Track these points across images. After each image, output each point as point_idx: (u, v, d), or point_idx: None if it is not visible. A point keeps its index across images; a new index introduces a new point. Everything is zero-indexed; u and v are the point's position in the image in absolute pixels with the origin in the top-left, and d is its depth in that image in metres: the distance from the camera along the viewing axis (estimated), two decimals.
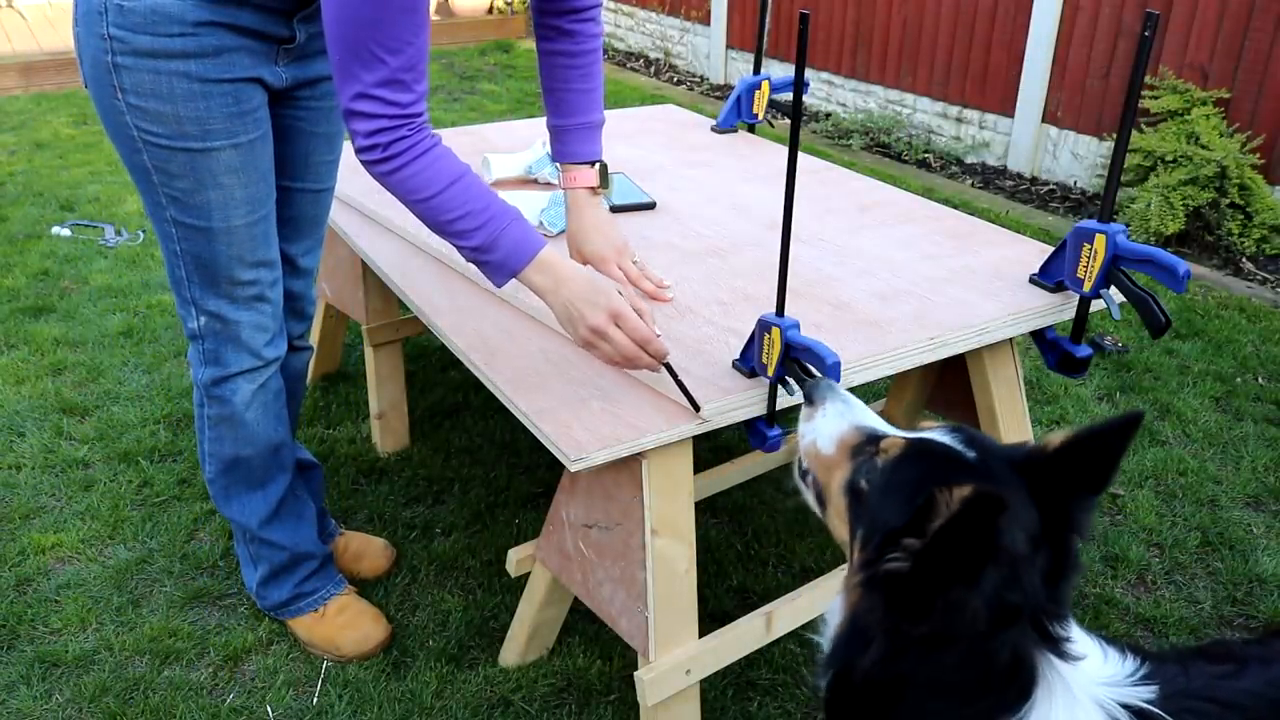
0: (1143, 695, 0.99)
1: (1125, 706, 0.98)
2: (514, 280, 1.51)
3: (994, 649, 0.94)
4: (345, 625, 1.97)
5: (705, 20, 6.63)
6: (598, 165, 1.80)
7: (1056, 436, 1.02)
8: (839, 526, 1.12)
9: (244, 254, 1.68)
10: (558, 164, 1.84)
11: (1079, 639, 1.01)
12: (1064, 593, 0.99)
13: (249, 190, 1.64)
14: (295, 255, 1.89)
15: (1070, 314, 1.80)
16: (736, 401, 1.51)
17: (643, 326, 1.47)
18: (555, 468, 2.49)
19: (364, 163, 1.42)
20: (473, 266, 1.54)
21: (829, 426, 1.19)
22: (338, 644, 1.95)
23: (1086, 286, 1.70)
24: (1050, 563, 0.98)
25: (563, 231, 2.07)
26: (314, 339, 2.81)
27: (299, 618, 1.99)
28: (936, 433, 1.09)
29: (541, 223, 2.08)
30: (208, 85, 1.53)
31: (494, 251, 1.47)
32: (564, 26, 1.73)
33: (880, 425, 1.17)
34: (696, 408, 1.48)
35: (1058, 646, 0.96)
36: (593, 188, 1.79)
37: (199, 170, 1.58)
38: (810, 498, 1.21)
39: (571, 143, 1.79)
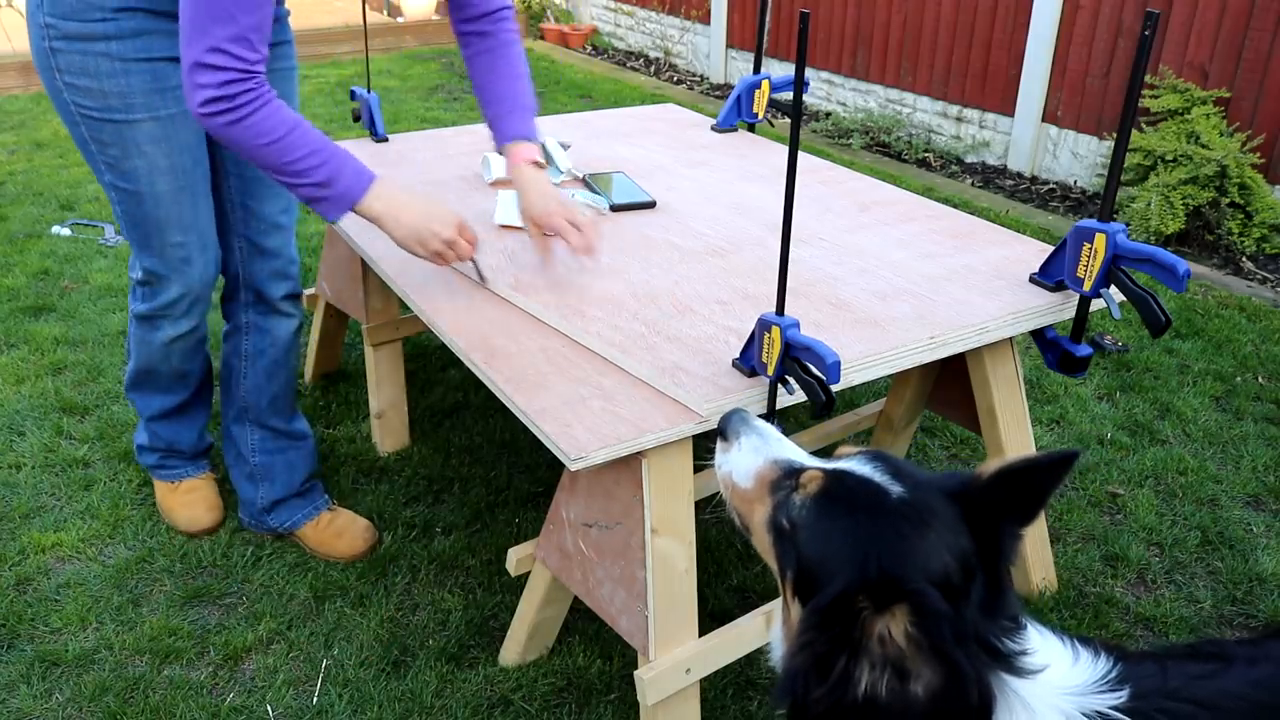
0: (1110, 700, 0.98)
1: (1094, 713, 0.97)
2: (353, 214, 1.69)
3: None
4: (184, 505, 2.27)
5: (705, 19, 6.63)
6: (537, 143, 1.93)
7: (990, 465, 1.01)
8: (767, 558, 1.09)
9: (172, 217, 1.88)
10: (502, 150, 1.94)
11: (1043, 647, 0.99)
12: (1008, 608, 0.98)
13: (172, 160, 1.83)
14: (271, 213, 2.04)
15: (1070, 313, 1.80)
16: (737, 400, 1.51)
17: (471, 231, 1.78)
18: (555, 467, 2.49)
19: (209, 114, 1.53)
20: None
21: (745, 461, 1.14)
22: (175, 517, 2.27)
23: (1086, 286, 1.70)
24: (987, 586, 0.97)
25: None
26: (313, 338, 2.82)
27: (159, 481, 2.32)
28: (857, 462, 1.05)
29: None
30: (128, 64, 1.74)
31: (336, 185, 1.63)
32: (482, 29, 1.93)
33: (798, 456, 1.13)
34: (483, 278, 1.81)
35: (1011, 663, 0.95)
36: (536, 161, 1.90)
37: (125, 140, 1.79)
38: (739, 525, 1.18)
39: (509, 126, 1.93)
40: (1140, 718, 0.98)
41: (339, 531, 2.24)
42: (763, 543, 1.10)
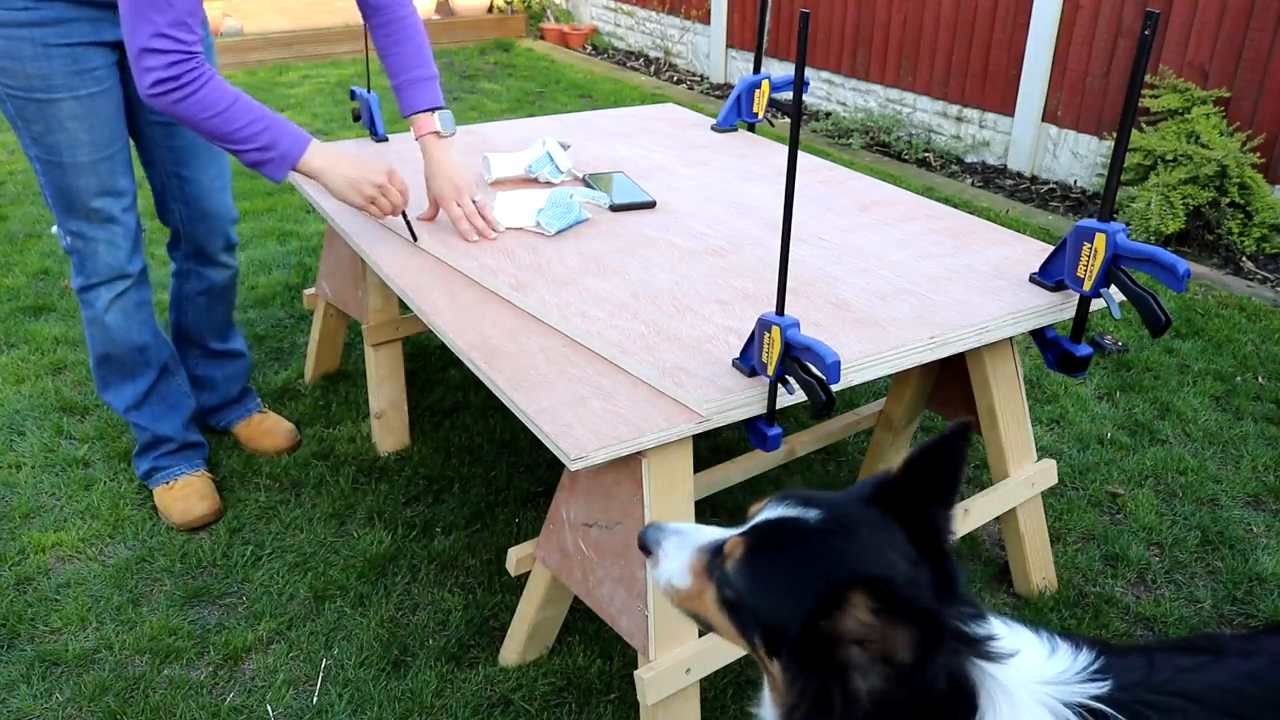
0: (1092, 691, 0.96)
1: (1075, 705, 0.95)
2: (295, 174, 1.89)
3: (930, 684, 0.91)
4: (178, 499, 2.31)
5: (705, 19, 6.63)
6: (437, 113, 2.09)
7: (897, 459, 1.04)
8: (735, 640, 1.10)
9: (92, 185, 2.03)
10: (408, 117, 2.10)
11: (1009, 635, 0.99)
12: (962, 594, 0.98)
13: (92, 134, 1.99)
14: (203, 179, 2.22)
15: (1070, 313, 1.80)
16: (737, 400, 1.51)
17: (401, 180, 1.98)
18: (555, 466, 2.49)
19: (159, 94, 1.71)
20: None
21: (674, 563, 1.15)
22: (170, 513, 2.31)
23: (1086, 285, 1.70)
24: (935, 574, 0.98)
25: (560, 231, 2.07)
26: (313, 338, 2.82)
27: (156, 487, 2.37)
28: (767, 511, 1.07)
29: (539, 223, 2.08)
30: (49, 49, 1.89)
31: (277, 147, 1.82)
32: (374, 2, 2.08)
33: (715, 533, 1.14)
34: (415, 238, 2.00)
35: (980, 648, 0.94)
36: (436, 132, 2.08)
37: (48, 117, 1.95)
38: (700, 624, 1.17)
39: (408, 96, 2.11)
40: (1124, 710, 0.96)
41: (267, 430, 2.56)
42: (723, 624, 1.09)
